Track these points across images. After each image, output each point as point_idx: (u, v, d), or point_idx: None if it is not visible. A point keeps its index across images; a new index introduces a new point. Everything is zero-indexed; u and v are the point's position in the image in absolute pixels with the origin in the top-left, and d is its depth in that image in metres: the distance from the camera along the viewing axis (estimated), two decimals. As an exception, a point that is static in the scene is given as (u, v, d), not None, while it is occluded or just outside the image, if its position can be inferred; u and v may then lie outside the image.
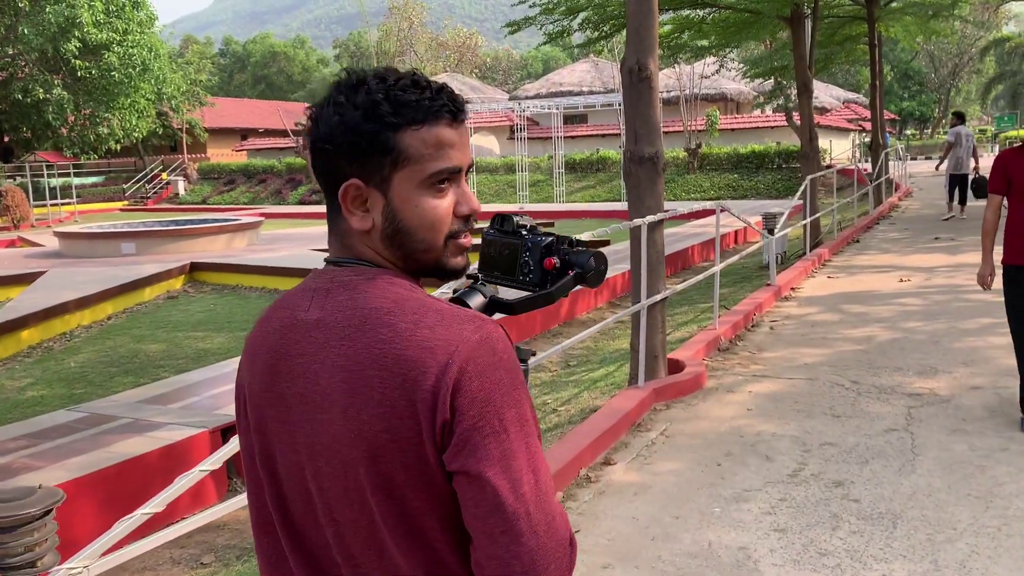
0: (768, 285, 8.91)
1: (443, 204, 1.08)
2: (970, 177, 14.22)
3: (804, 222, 11.22)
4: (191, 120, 40.57)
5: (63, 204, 31.24)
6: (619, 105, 30.67)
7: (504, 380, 0.99)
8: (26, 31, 26.87)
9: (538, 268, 1.20)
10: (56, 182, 33.82)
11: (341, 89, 1.06)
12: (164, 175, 39.58)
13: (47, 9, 26.48)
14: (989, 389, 5.35)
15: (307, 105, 1.12)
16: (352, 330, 1.01)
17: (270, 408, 1.09)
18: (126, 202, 37.95)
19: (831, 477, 4.11)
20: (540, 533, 0.97)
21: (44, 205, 30.00)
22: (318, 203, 33.98)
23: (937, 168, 16.08)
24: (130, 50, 29.53)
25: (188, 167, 39.71)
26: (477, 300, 1.19)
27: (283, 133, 38.85)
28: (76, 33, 27.19)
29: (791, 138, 28.82)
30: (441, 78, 36.79)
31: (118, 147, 34.58)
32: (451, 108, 1.07)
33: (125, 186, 38.90)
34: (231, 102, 51.72)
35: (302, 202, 34.84)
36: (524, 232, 1.24)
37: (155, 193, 38.87)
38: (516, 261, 1.23)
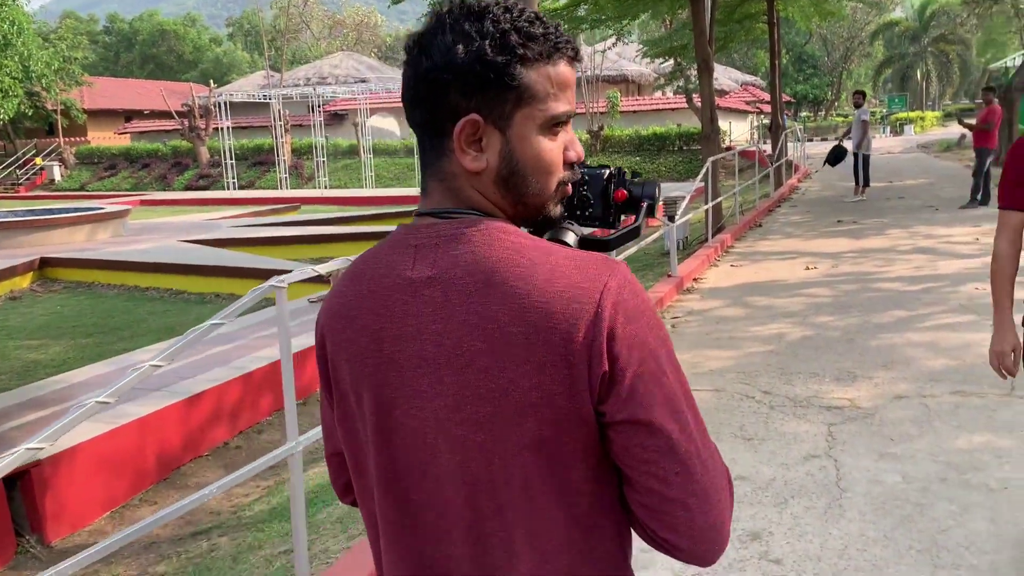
0: (669, 276, 8.23)
1: (557, 147, 1.02)
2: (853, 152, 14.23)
3: (706, 207, 10.64)
4: (66, 101, 37.85)
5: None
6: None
7: (652, 320, 0.96)
8: None
9: (599, 201, 1.15)
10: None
11: (460, 16, 0.97)
12: (38, 160, 36.88)
13: None
14: (915, 399, 4.73)
15: (409, 36, 1.00)
16: (480, 285, 0.94)
17: (379, 374, 1.01)
18: (-5, 189, 35.19)
19: (746, 526, 3.37)
20: (709, 467, 0.97)
21: None
22: (204, 188, 32.15)
23: (839, 142, 15.97)
24: (-11, 24, 27.05)
25: (64, 151, 37.10)
26: (571, 238, 1.08)
27: (169, 115, 36.59)
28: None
29: (692, 120, 28.62)
30: (337, 57, 35.31)
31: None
32: (572, 46, 1.00)
33: (-8, 172, 36.06)
34: (113, 82, 48.65)
35: (188, 187, 32.89)
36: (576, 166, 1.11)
37: (27, 180, 36.19)
38: (574, 196, 1.13)
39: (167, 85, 46.06)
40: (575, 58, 1.01)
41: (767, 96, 31.86)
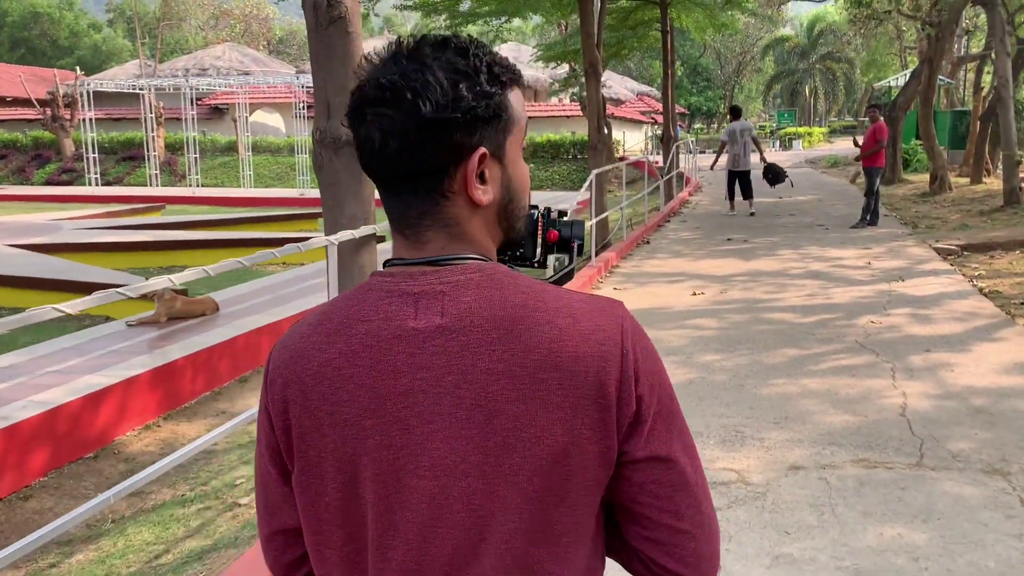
0: (545, 301, 7.37)
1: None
2: (768, 169, 14.16)
3: (591, 222, 9.85)
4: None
5: None
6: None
7: (657, 356, 0.99)
8: None
9: (530, 241, 1.14)
10: None
11: (445, 51, 0.94)
12: None
13: None
14: (813, 471, 3.95)
15: (371, 84, 0.94)
16: (501, 333, 0.91)
17: (374, 436, 0.94)
18: None
19: None
20: (710, 497, 1.01)
21: None
22: (67, 183, 29.73)
23: (712, 167, 15.88)
24: None
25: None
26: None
27: (28, 103, 33.77)
28: None
29: (587, 128, 28.20)
30: (220, 48, 33.40)
31: None
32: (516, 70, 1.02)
33: None
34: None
35: (49, 182, 30.37)
36: None
37: None
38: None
39: (32, 70, 42.76)
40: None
41: (661, 106, 31.81)
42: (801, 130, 46.68)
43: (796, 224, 13.14)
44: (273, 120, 35.63)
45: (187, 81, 26.80)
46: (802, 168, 28.03)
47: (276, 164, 29.22)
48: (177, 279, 3.09)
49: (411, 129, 0.91)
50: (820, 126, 56.54)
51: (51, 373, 5.84)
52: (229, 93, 31.85)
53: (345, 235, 3.63)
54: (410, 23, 69.68)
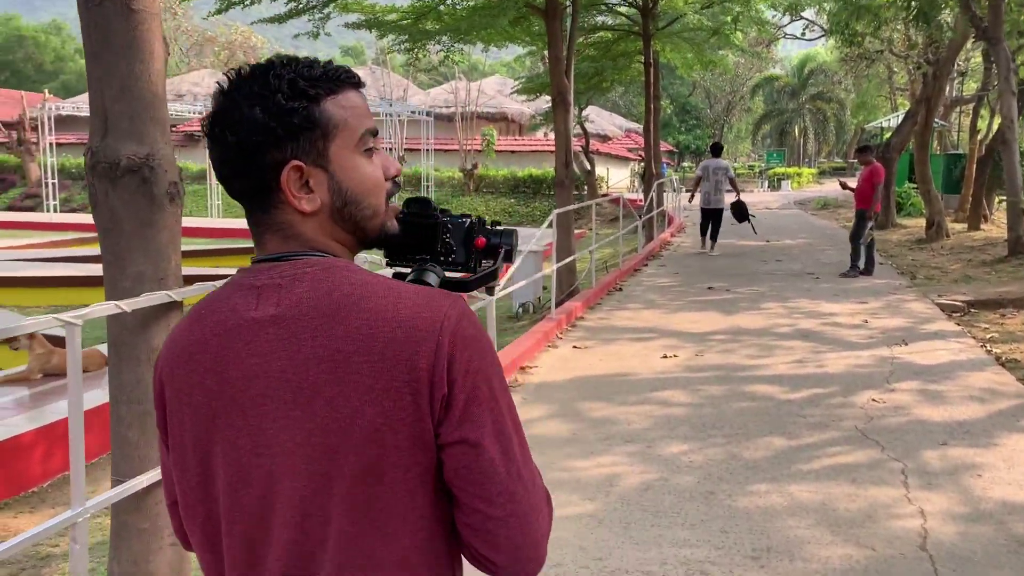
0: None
1: (377, 167, 1.09)
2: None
3: (553, 267, 8.72)
4: None
5: None
6: (388, 116, 27.85)
7: (486, 348, 1.02)
8: None
9: (461, 248, 1.21)
10: None
11: (248, 80, 1.03)
12: None
13: None
14: (804, 653, 2.79)
15: (201, 116, 1.01)
16: (325, 320, 0.98)
17: (220, 417, 1.03)
18: None
19: None
20: (530, 489, 1.02)
21: None
22: (30, 209, 28.55)
23: (689, 200, 15.51)
24: None
25: None
26: (433, 279, 1.16)
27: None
28: None
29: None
30: (199, 75, 32.37)
31: None
32: (349, 76, 1.07)
33: None
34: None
35: (11, 208, 29.18)
36: (442, 216, 1.22)
37: None
38: (436, 242, 1.21)
39: (7, 93, 41.70)
40: (359, 84, 1.08)
41: (648, 143, 30.86)
42: (790, 170, 45.99)
43: (784, 272, 12.04)
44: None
45: (153, 106, 25.77)
46: (791, 210, 27.11)
47: (247, 194, 28.15)
48: (41, 324, 2.35)
49: (230, 157, 1.02)
50: (810, 167, 55.90)
51: None
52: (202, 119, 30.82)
53: (126, 304, 2.47)
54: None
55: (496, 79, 41.47)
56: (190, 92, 35.22)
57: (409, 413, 0.95)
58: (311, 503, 0.98)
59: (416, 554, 1.00)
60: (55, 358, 6.32)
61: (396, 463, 0.96)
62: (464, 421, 0.97)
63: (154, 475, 2.62)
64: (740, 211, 14.06)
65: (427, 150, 26.72)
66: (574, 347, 7.33)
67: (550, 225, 8.36)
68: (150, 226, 2.59)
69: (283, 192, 1.01)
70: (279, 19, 10.24)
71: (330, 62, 1.07)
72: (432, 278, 1.15)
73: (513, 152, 31.39)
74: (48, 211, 26.24)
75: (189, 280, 2.87)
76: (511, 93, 26.93)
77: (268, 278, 1.01)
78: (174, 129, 31.38)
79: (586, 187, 22.38)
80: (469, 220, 1.22)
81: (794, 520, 3.78)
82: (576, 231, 12.10)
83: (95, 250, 14.43)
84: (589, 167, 22.26)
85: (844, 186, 12.37)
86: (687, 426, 5.13)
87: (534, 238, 8.23)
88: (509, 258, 1.25)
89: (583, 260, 11.26)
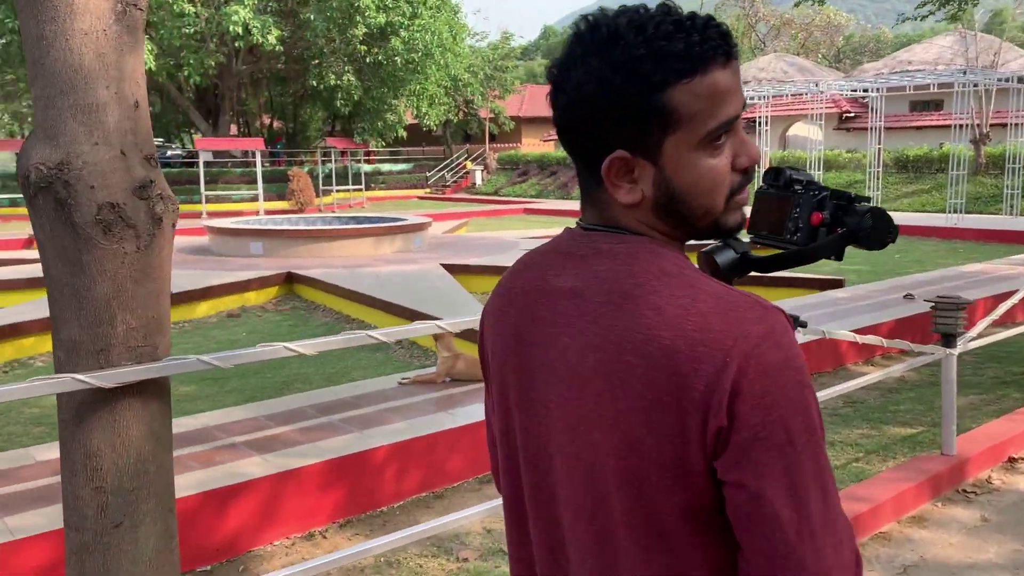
0: (941, 454, 3.88)
1: (722, 162, 0.93)
2: None
3: None
4: (495, 108, 39.35)
5: (354, 190, 31.23)
6: (976, 87, 23.22)
7: (791, 381, 0.84)
8: (312, 17, 26.77)
9: (807, 225, 1.07)
10: (366, 168, 34.36)
11: (590, 46, 0.90)
12: (468, 164, 38.99)
13: (331, -6, 25.97)
14: None
15: (549, 64, 0.94)
16: (612, 307, 0.90)
17: (512, 375, 1.02)
18: (428, 190, 37.88)
19: None
20: (826, 558, 0.84)
21: (331, 191, 30.21)
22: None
23: None
24: (415, 35, 28.34)
25: (488, 156, 38.73)
26: (727, 256, 1.05)
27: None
28: (359, 18, 26.50)
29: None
30: (767, 59, 31.48)
31: (404, 134, 34.07)
32: (723, 47, 0.89)
33: (428, 174, 38.93)
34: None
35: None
36: (798, 188, 1.09)
37: (455, 182, 38.40)
38: (786, 218, 1.08)
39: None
40: (730, 56, 0.90)
41: None
42: None
43: None
44: (813, 133, 32.51)
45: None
46: None
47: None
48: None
49: (561, 116, 0.94)
50: None
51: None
52: (756, 105, 29.78)
53: (59, 384, 1.37)
54: None
55: None
56: (755, 78, 34.42)
57: (676, 432, 0.85)
58: (576, 494, 0.94)
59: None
60: (460, 363, 5.73)
61: (658, 479, 0.87)
62: (744, 463, 0.83)
63: None
64: None
65: (1014, 124, 21.41)
66: None
67: None
68: (78, 272, 1.49)
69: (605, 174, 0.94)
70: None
71: (708, 19, 0.88)
72: (727, 255, 1.04)
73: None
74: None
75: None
76: None
77: (578, 246, 0.97)
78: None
79: None
80: (822, 194, 1.06)
81: None
82: None
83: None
84: None
85: None
86: None
87: None
88: (853, 241, 1.04)
89: None
